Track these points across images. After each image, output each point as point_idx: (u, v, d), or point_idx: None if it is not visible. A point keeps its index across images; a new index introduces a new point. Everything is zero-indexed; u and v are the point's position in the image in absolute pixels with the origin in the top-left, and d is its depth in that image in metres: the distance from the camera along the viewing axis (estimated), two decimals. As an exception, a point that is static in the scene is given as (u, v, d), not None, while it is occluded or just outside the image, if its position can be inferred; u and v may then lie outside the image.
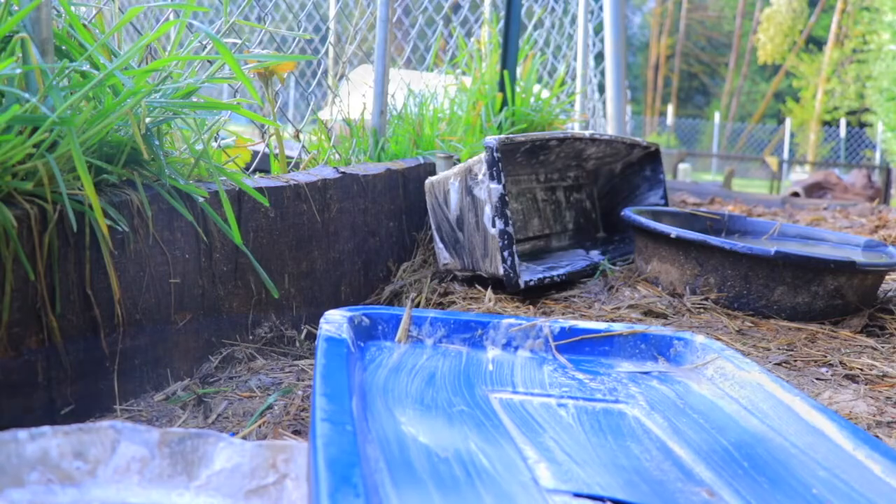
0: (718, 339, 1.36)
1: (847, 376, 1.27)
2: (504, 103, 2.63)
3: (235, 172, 1.33)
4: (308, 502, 0.64)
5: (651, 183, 2.10)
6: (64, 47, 1.02)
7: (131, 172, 1.05)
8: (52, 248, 0.91)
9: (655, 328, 1.13)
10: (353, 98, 2.15)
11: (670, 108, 20.14)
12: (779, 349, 1.39)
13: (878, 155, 14.91)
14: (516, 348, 1.10)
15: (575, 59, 3.89)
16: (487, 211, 1.56)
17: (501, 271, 1.55)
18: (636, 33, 24.39)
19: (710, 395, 0.99)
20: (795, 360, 1.33)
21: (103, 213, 0.95)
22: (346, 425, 0.66)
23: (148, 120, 1.04)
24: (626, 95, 3.92)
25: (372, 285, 1.68)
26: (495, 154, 1.54)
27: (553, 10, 3.82)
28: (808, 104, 18.28)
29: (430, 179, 1.71)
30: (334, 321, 0.99)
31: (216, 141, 1.38)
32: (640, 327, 1.13)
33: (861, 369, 1.30)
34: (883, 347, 1.42)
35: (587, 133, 1.89)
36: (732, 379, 0.99)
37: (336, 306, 1.18)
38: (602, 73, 3.93)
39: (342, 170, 1.58)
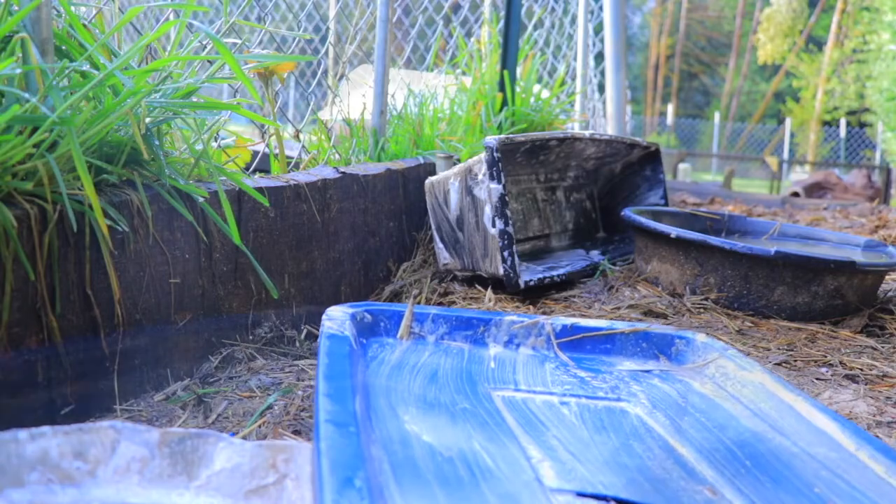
0: (719, 339, 1.36)
1: (847, 376, 1.27)
2: (504, 103, 2.63)
3: (235, 172, 1.33)
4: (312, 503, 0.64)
5: (651, 183, 2.10)
6: (64, 47, 1.02)
7: (131, 172, 1.05)
8: (52, 248, 0.91)
9: (657, 327, 1.13)
10: (353, 98, 2.15)
11: (670, 108, 20.14)
12: (779, 349, 1.38)
13: (878, 155, 14.92)
14: (518, 346, 1.10)
15: (575, 59, 3.89)
16: (487, 211, 1.56)
17: (501, 271, 1.55)
18: (636, 33, 24.39)
19: (711, 394, 0.99)
20: (795, 360, 1.33)
21: (103, 213, 0.95)
22: (350, 427, 0.66)
23: (148, 120, 1.04)
24: (626, 95, 3.92)
25: (372, 285, 1.68)
26: (495, 154, 1.54)
27: (553, 10, 3.82)
28: (808, 104, 18.28)
29: (430, 179, 1.71)
30: (337, 318, 0.99)
31: (216, 141, 1.38)
32: (641, 326, 1.12)
33: (861, 369, 1.30)
34: (883, 347, 1.42)
35: (587, 133, 1.89)
36: (734, 378, 0.99)
37: (336, 306, 1.18)
38: (602, 73, 3.93)
39: (342, 170, 1.58)
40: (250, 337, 1.29)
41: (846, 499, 0.74)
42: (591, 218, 2.12)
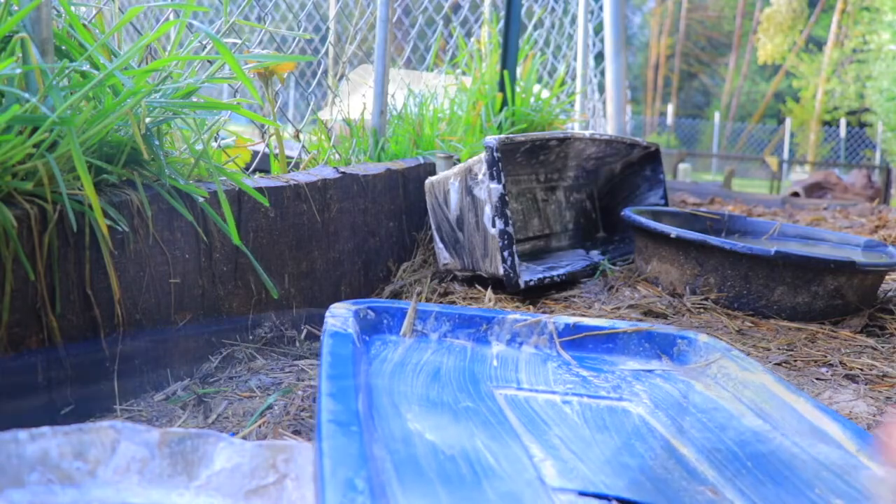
0: (721, 339, 1.36)
1: (847, 376, 1.27)
2: (504, 103, 2.63)
3: (235, 172, 1.33)
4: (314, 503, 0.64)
5: (651, 183, 2.09)
6: (64, 47, 1.01)
7: (131, 172, 1.05)
8: (52, 248, 0.91)
9: (660, 327, 1.13)
10: (353, 98, 2.15)
11: (670, 108, 20.13)
12: (779, 349, 1.38)
13: (878, 155, 14.92)
14: (521, 344, 1.10)
15: (575, 59, 3.89)
16: (487, 211, 1.56)
17: (501, 271, 1.55)
18: (636, 33, 24.39)
19: (713, 394, 0.99)
20: (795, 360, 1.33)
21: (103, 213, 0.95)
22: (352, 426, 0.66)
23: (148, 120, 1.04)
24: (626, 95, 3.92)
25: (372, 285, 1.68)
26: (495, 154, 1.54)
27: (553, 10, 3.82)
28: (808, 104, 18.27)
29: (430, 179, 1.71)
30: (340, 315, 0.99)
31: (216, 141, 1.38)
32: (644, 325, 1.12)
33: (861, 369, 1.29)
34: (883, 347, 1.42)
35: (587, 133, 1.89)
36: (736, 379, 0.99)
37: (336, 306, 1.18)
38: (602, 73, 3.93)
39: (342, 170, 1.58)
40: (250, 337, 1.29)
41: (847, 499, 0.74)
42: (591, 218, 2.12)
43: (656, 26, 22.26)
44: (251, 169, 1.66)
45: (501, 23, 2.75)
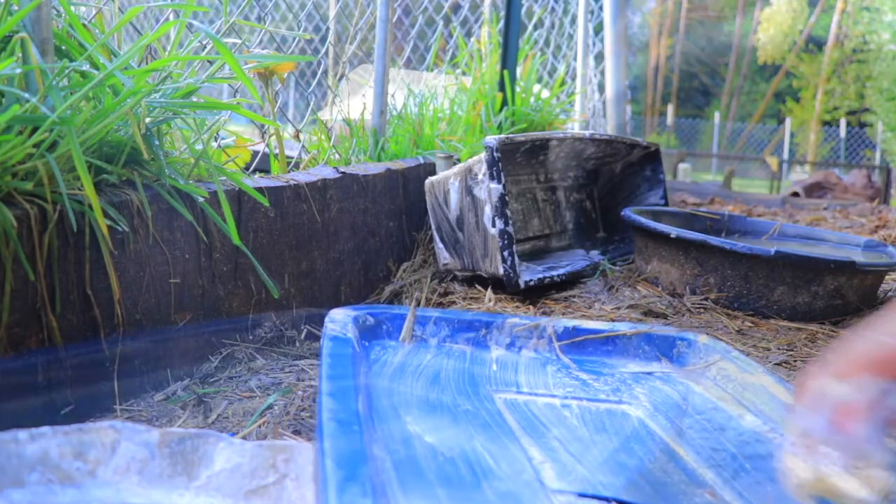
0: (720, 340, 1.36)
1: (848, 376, 1.27)
2: (504, 103, 2.63)
3: (235, 172, 1.33)
4: (315, 502, 0.64)
5: (651, 183, 2.09)
6: (64, 47, 1.01)
7: (131, 172, 1.05)
8: (52, 248, 0.91)
9: (659, 328, 1.12)
10: (353, 98, 2.15)
11: (670, 108, 20.13)
12: (779, 349, 1.38)
13: (878, 155, 14.93)
14: (520, 348, 1.10)
15: (575, 59, 3.89)
16: (487, 211, 1.56)
17: (501, 271, 1.55)
18: (636, 33, 24.37)
19: (713, 396, 0.99)
20: (795, 361, 1.33)
21: (103, 213, 0.95)
22: (353, 425, 0.66)
23: (148, 120, 1.04)
24: (626, 95, 3.91)
25: (372, 285, 1.68)
26: (495, 154, 1.54)
27: (553, 10, 3.82)
28: (808, 104, 18.28)
29: (430, 179, 1.71)
30: (339, 320, 0.99)
31: (216, 141, 1.38)
32: (643, 327, 1.12)
33: (862, 369, 1.29)
34: (884, 348, 1.41)
35: (587, 133, 1.89)
36: (736, 380, 0.99)
37: (336, 306, 1.18)
38: (602, 73, 3.93)
39: (342, 170, 1.58)
40: (250, 337, 1.29)
41: (847, 500, 0.74)
42: (591, 218, 2.12)
43: (656, 26, 22.25)
44: (251, 169, 1.66)
45: (501, 23, 2.75)
